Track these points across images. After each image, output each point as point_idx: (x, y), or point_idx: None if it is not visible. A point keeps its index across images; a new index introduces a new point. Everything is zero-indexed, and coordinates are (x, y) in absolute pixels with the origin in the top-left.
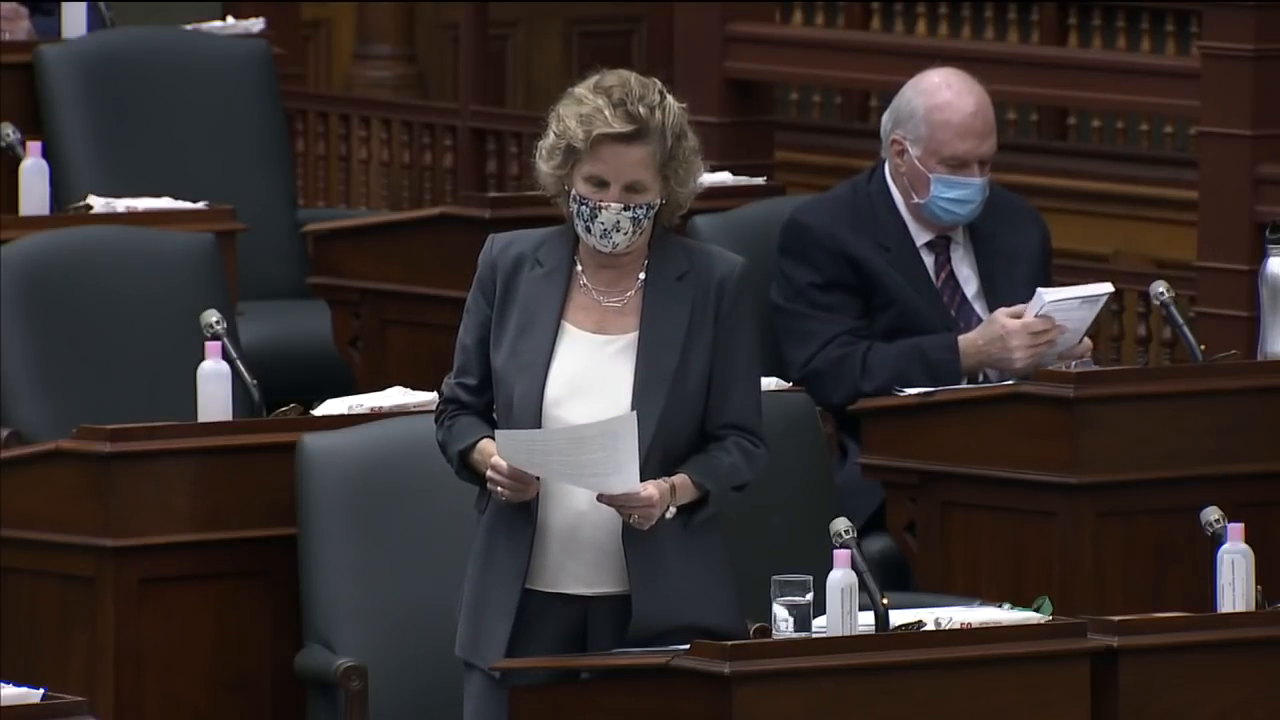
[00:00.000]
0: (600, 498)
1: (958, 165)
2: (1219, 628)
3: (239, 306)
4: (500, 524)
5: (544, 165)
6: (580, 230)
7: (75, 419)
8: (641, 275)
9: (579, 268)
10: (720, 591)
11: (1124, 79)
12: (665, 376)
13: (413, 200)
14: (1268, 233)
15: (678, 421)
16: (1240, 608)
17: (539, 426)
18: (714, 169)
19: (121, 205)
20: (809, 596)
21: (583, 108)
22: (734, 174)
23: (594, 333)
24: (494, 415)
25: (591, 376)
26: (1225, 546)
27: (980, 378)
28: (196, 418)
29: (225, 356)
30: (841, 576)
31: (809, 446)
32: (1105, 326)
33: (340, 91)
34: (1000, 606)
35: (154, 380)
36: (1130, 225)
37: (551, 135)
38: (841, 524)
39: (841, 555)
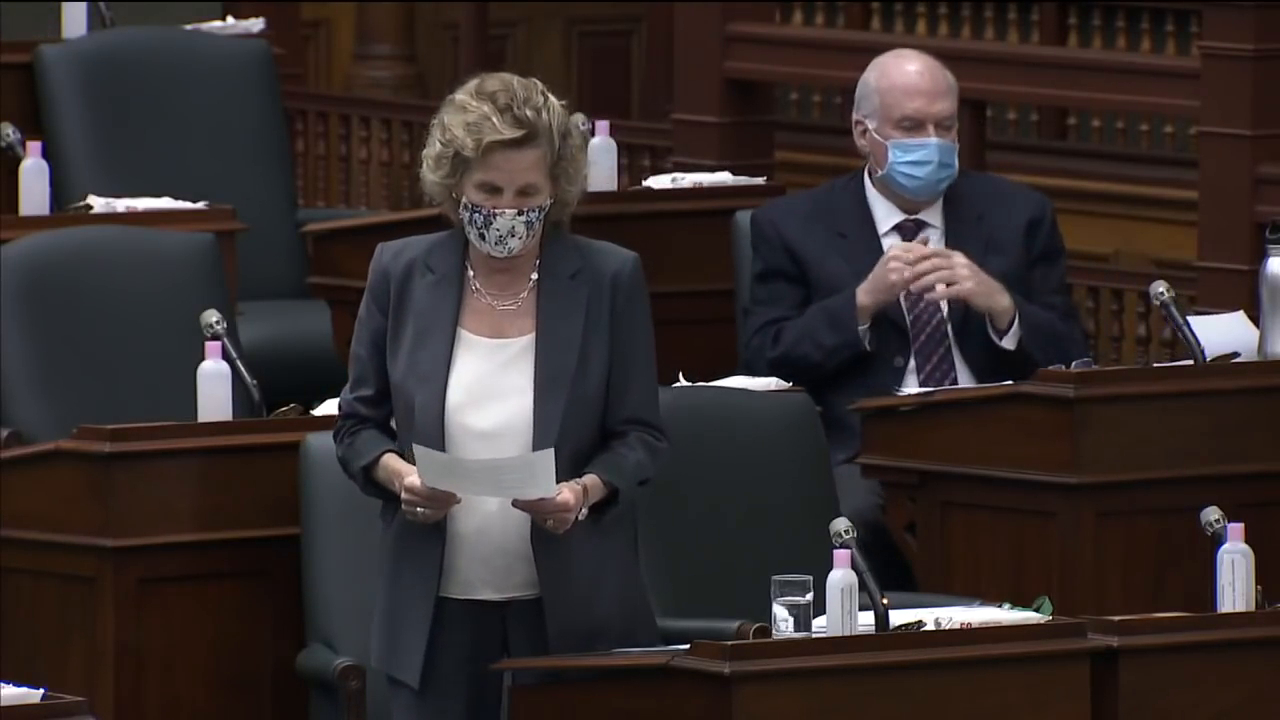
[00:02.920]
0: (515, 503)
1: (911, 127)
2: (1219, 628)
3: (239, 306)
4: (409, 534)
5: (431, 175)
6: (473, 238)
7: (75, 419)
8: (534, 276)
9: (470, 273)
10: (632, 590)
11: (1124, 79)
12: (565, 377)
13: (413, 200)
14: (1268, 233)
15: (581, 421)
16: (1240, 608)
17: (442, 435)
18: (714, 169)
19: (121, 205)
20: (809, 596)
21: (468, 115)
22: (734, 174)
23: (490, 337)
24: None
25: (491, 382)
26: (1225, 546)
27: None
28: (196, 418)
29: (225, 356)
30: (841, 576)
31: (809, 446)
32: (1105, 326)
33: (340, 91)
34: (1000, 606)
35: (154, 380)
36: (1130, 225)
37: (437, 145)
38: (841, 524)
39: (841, 555)
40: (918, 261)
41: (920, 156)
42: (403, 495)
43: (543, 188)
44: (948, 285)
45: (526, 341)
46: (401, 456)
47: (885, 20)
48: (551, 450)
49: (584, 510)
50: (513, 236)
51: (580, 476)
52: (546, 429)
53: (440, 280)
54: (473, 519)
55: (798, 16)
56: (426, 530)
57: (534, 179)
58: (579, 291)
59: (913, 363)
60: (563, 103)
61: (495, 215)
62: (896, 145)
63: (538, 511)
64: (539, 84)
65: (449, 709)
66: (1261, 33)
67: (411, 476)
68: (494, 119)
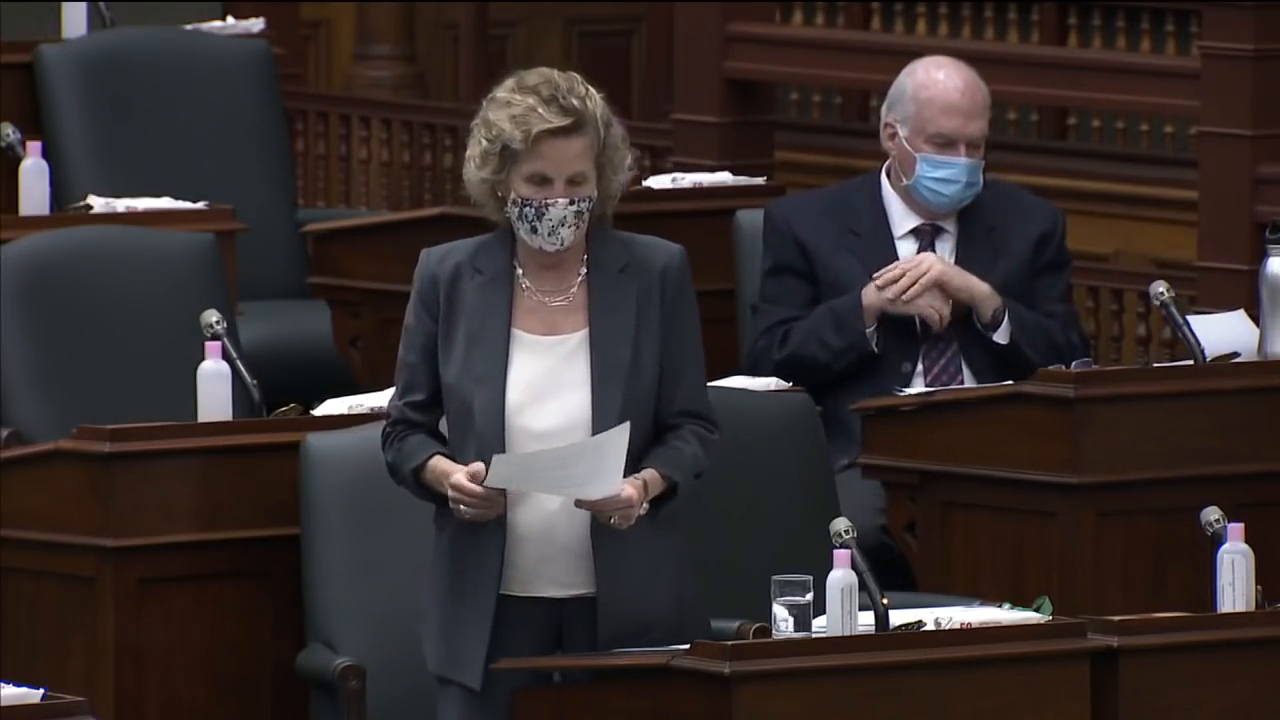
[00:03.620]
0: (579, 502)
1: (944, 144)
2: (1219, 628)
3: (239, 306)
4: (468, 536)
5: (477, 173)
6: (524, 233)
7: (75, 419)
8: (583, 270)
9: (519, 271)
10: (686, 589)
11: (1124, 79)
12: (621, 370)
13: (413, 200)
14: (1268, 233)
15: (637, 413)
16: (1240, 608)
17: (502, 434)
18: (714, 169)
19: (121, 205)
20: (809, 596)
21: (513, 109)
22: (734, 174)
23: (544, 335)
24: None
25: (549, 379)
26: (1225, 546)
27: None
28: (196, 418)
29: (225, 356)
30: (841, 576)
31: (809, 446)
32: (1105, 326)
33: (340, 91)
34: (1000, 606)
35: (154, 380)
36: (1130, 225)
37: (483, 142)
38: (841, 524)
39: (841, 555)
40: (887, 286)
41: (948, 175)
42: (450, 493)
43: (591, 176)
44: (922, 282)
45: (580, 337)
46: (450, 459)
47: (885, 20)
48: (626, 425)
49: (645, 506)
50: (564, 227)
51: (638, 471)
52: (605, 423)
53: (490, 281)
54: (536, 516)
55: (798, 16)
56: (488, 529)
57: (582, 167)
58: (629, 285)
59: (920, 366)
60: (602, 95)
61: (547, 206)
62: (926, 160)
63: (602, 510)
64: (578, 76)
65: (505, 708)
66: (1261, 33)
67: (458, 474)
68: (540, 109)
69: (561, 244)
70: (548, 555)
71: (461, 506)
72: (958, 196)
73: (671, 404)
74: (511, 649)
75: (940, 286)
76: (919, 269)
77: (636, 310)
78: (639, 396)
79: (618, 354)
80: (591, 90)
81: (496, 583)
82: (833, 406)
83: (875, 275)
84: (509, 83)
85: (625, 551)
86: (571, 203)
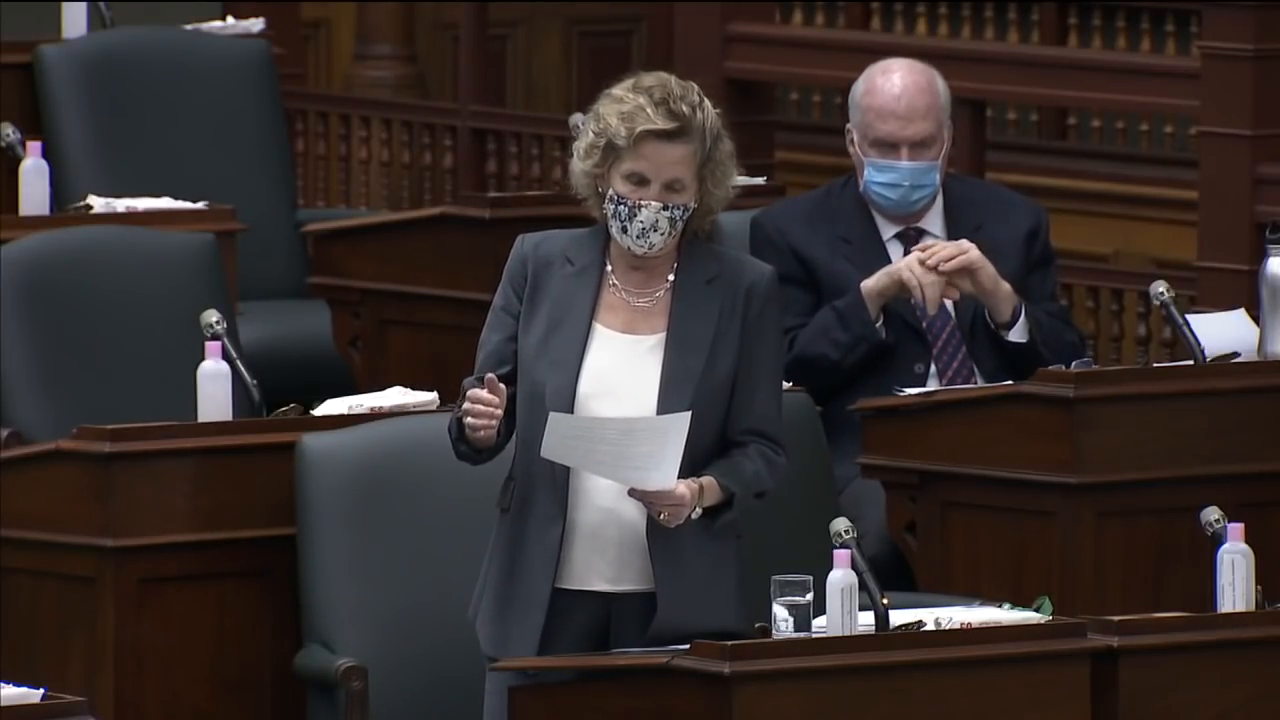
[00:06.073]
0: (631, 492)
1: (886, 148)
2: (1219, 628)
3: (239, 306)
4: (527, 521)
5: (580, 164)
6: (615, 231)
7: (75, 419)
8: (671, 277)
9: (609, 268)
10: (736, 595)
11: (1124, 79)
12: (691, 377)
13: (413, 200)
14: (1268, 233)
15: (702, 422)
16: (1240, 608)
17: None
18: None
19: (121, 205)
20: (809, 596)
21: (623, 106)
22: None
23: (623, 332)
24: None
25: (620, 376)
26: (1225, 546)
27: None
28: (196, 418)
29: (225, 356)
30: (841, 576)
31: (809, 446)
32: (1105, 326)
33: (340, 91)
34: (1000, 606)
35: (154, 380)
36: (1130, 225)
37: (590, 134)
38: (841, 524)
39: (841, 555)
40: (939, 264)
41: (891, 179)
42: (465, 404)
43: (689, 186)
44: (959, 259)
45: (657, 340)
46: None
47: (885, 20)
48: (688, 414)
49: (698, 510)
50: (655, 231)
51: (698, 477)
52: None
53: (579, 272)
54: (591, 511)
55: (798, 16)
56: (547, 518)
57: (681, 174)
58: (713, 297)
59: (933, 368)
60: (717, 110)
61: (640, 207)
62: (871, 164)
63: (653, 502)
64: (695, 86)
65: None
66: (1261, 33)
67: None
68: (649, 110)
69: (650, 248)
70: (599, 549)
71: (469, 419)
72: (905, 199)
73: (741, 421)
74: (561, 640)
75: (973, 273)
76: (961, 246)
77: (717, 322)
78: (705, 406)
79: (690, 361)
80: (707, 102)
81: (552, 573)
82: (843, 409)
83: (907, 264)
84: (627, 81)
85: (684, 552)
86: (665, 208)
